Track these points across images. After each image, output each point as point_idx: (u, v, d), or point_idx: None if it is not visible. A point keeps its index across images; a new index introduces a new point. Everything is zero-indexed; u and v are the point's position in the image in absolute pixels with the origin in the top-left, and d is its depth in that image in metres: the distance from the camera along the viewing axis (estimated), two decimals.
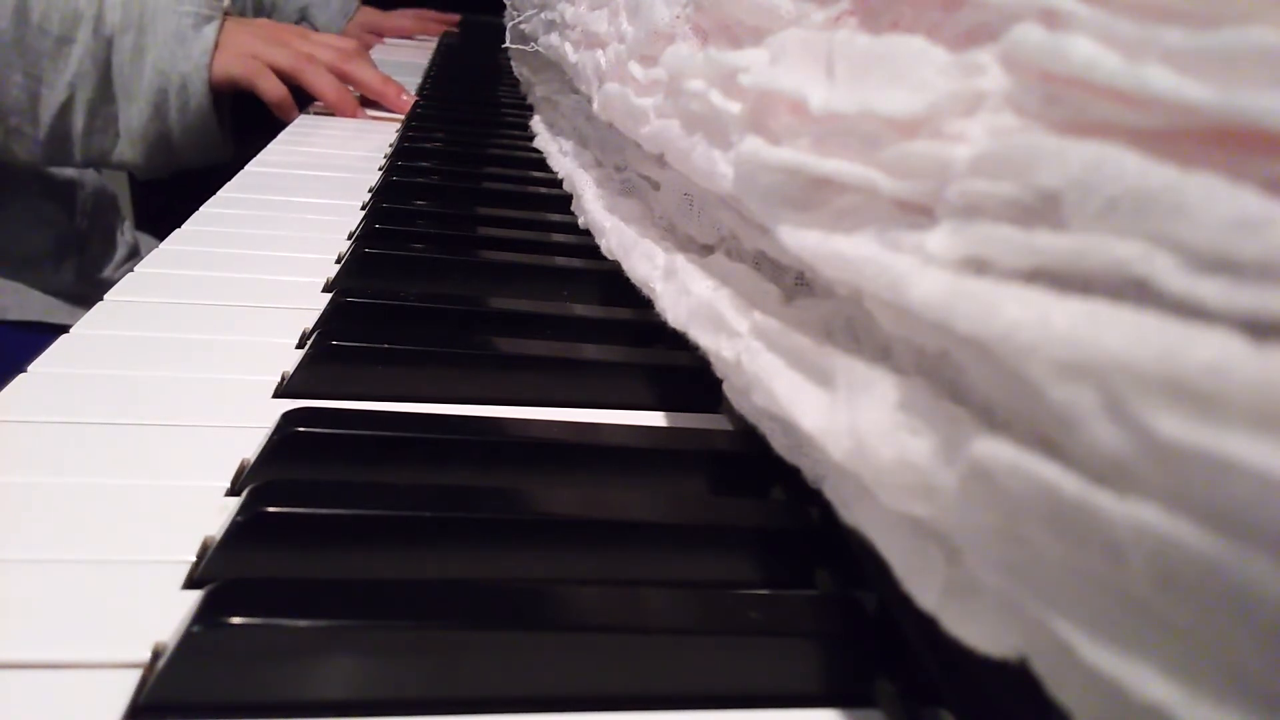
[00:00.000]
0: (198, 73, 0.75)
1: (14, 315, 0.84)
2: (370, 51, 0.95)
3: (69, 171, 0.92)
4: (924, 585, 0.16)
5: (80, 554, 0.23)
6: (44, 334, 0.34)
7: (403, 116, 0.81)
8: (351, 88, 0.82)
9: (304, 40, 0.84)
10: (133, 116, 0.76)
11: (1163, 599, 0.11)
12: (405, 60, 1.11)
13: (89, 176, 0.95)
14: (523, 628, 0.21)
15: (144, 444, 0.28)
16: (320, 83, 0.80)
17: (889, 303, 0.17)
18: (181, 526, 0.24)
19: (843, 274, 0.18)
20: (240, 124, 0.82)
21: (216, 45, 0.76)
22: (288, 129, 0.73)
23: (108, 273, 0.94)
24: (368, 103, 0.83)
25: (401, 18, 1.32)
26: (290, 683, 0.20)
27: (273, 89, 0.79)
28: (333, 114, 0.81)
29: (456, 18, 1.37)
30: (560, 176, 0.56)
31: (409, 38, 1.31)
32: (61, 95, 0.74)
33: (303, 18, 1.20)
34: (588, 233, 0.45)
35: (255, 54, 0.78)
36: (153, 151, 0.78)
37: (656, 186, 0.37)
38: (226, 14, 0.79)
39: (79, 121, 0.75)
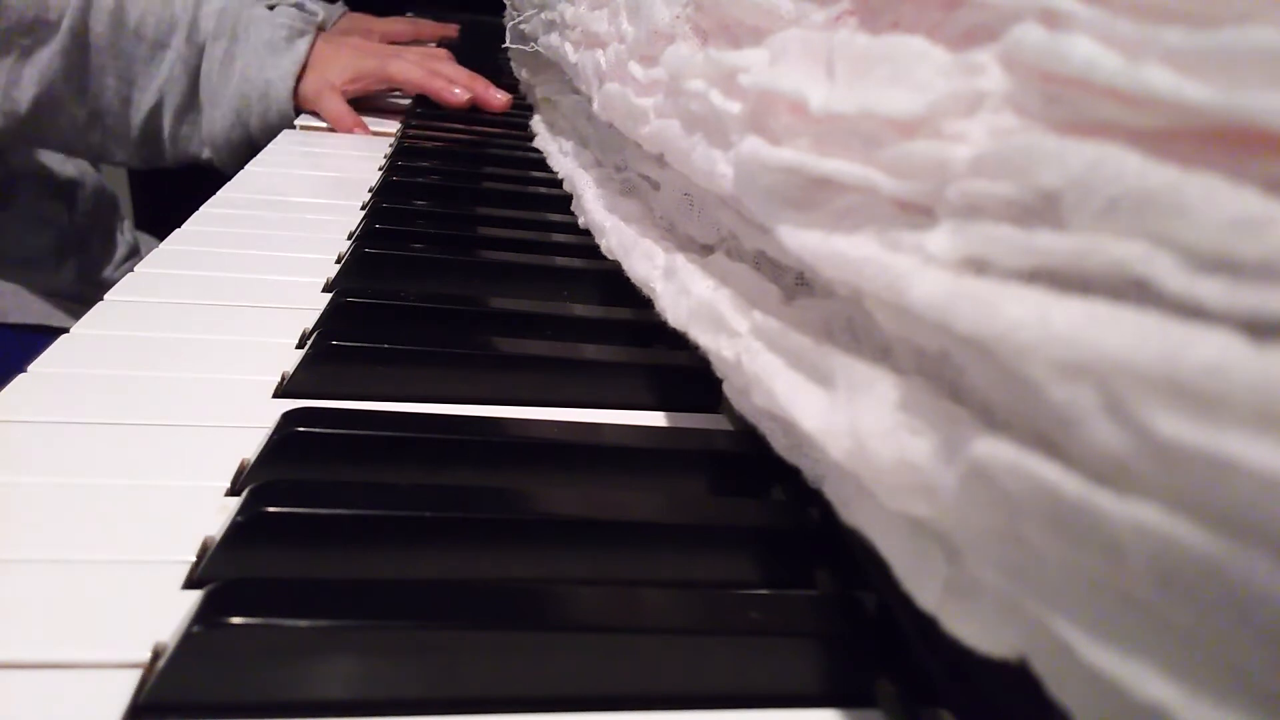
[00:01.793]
0: (283, 81, 0.76)
1: (14, 318, 0.83)
2: None
3: (70, 170, 0.92)
4: (924, 585, 0.16)
5: (80, 554, 0.23)
6: (45, 336, 0.34)
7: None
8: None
9: (392, 50, 0.84)
10: (215, 121, 0.77)
11: (1163, 599, 0.11)
12: None
13: (89, 176, 0.95)
14: (523, 628, 0.21)
15: (144, 444, 0.28)
16: (406, 71, 0.79)
17: (889, 303, 0.17)
18: (181, 526, 0.24)
19: (843, 274, 0.18)
20: None
21: (306, 63, 0.77)
22: (287, 130, 0.73)
23: (108, 273, 0.94)
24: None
25: (395, 23, 1.31)
26: (290, 683, 0.20)
27: (332, 109, 0.78)
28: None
29: (455, 28, 1.36)
30: (560, 176, 0.56)
31: (402, 44, 1.30)
32: (151, 99, 0.75)
33: None
34: (588, 233, 0.45)
35: (331, 81, 0.78)
36: (233, 150, 0.78)
37: (656, 186, 0.37)
38: (319, 28, 0.80)
39: (166, 126, 0.77)
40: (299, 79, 0.77)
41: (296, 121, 0.78)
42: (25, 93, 0.72)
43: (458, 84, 0.81)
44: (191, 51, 0.75)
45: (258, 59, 0.76)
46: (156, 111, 0.76)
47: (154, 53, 0.74)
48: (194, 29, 0.75)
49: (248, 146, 0.78)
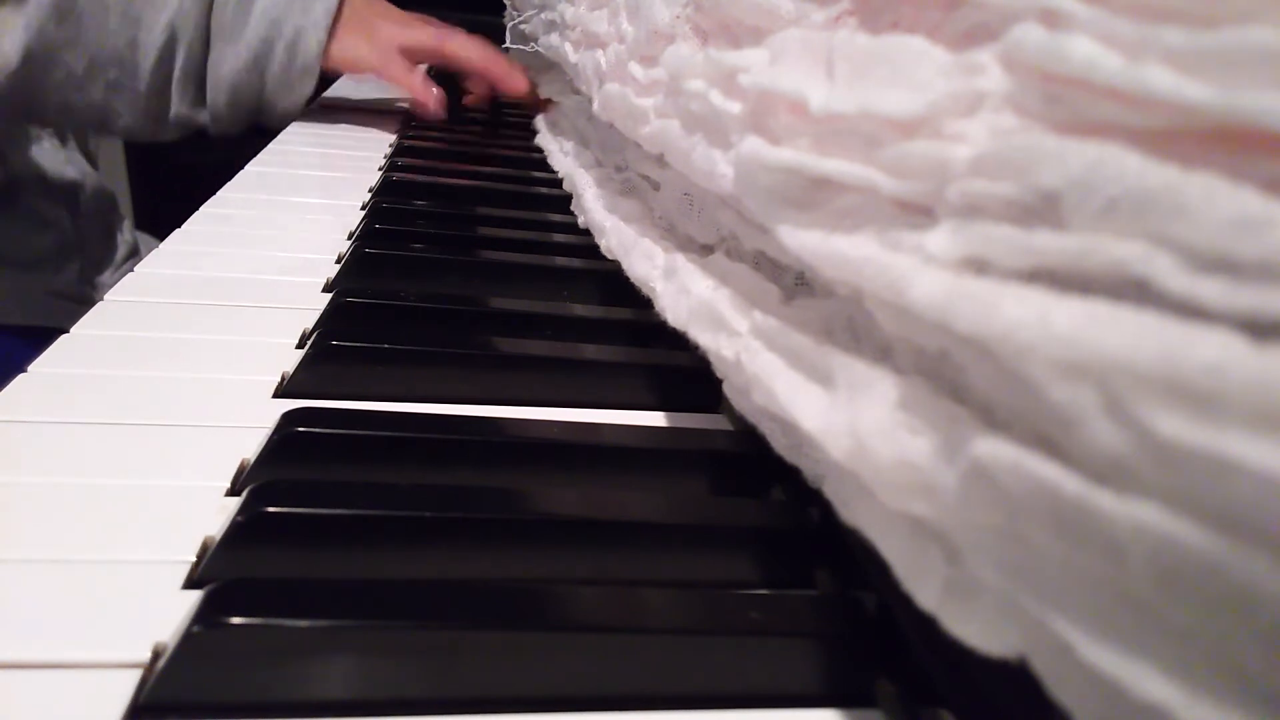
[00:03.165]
0: (316, 32, 0.68)
1: (16, 319, 0.83)
2: None
3: (71, 173, 0.92)
4: (924, 585, 0.16)
5: (80, 554, 0.23)
6: (45, 336, 0.34)
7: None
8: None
9: (431, 21, 0.77)
10: (224, 60, 0.69)
11: (1163, 599, 0.11)
12: None
13: (90, 177, 0.95)
14: (523, 628, 0.21)
15: (144, 444, 0.28)
16: (467, 50, 0.73)
17: (889, 303, 0.17)
18: (181, 526, 0.24)
19: (843, 274, 0.18)
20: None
21: (338, 14, 0.69)
22: (286, 129, 0.73)
23: (108, 273, 0.94)
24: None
25: None
26: (290, 683, 0.20)
27: (405, 75, 0.71)
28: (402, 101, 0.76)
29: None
30: (560, 176, 0.56)
31: None
32: (160, 38, 0.67)
33: None
34: (588, 233, 0.45)
35: (392, 40, 0.71)
36: (236, 102, 0.71)
37: (656, 186, 0.37)
38: None
39: (178, 70, 0.69)
40: (332, 34, 0.69)
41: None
42: (13, 41, 0.64)
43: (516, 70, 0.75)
44: None
45: (286, 0, 0.68)
46: (168, 54, 0.68)
47: None
48: None
49: (253, 102, 0.71)
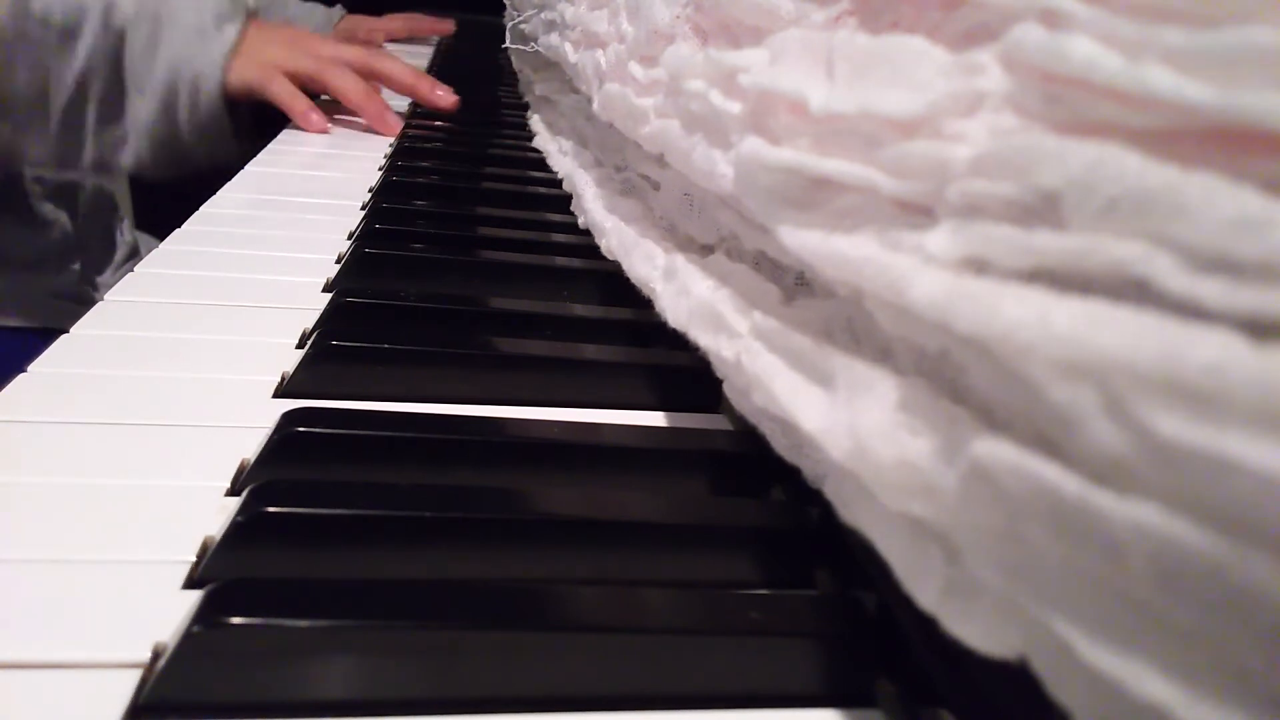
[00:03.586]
0: (212, 71, 0.71)
1: (16, 320, 0.83)
2: None
3: (70, 173, 0.92)
4: (924, 585, 0.16)
5: (80, 554, 0.23)
6: (46, 338, 0.34)
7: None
8: (383, 86, 0.78)
9: (326, 45, 0.79)
10: (140, 110, 0.72)
11: (1163, 599, 0.11)
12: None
13: (89, 178, 0.95)
14: (523, 628, 0.21)
15: (144, 444, 0.28)
16: (343, 84, 0.75)
17: (889, 303, 0.17)
18: (181, 526, 0.24)
19: (843, 274, 0.18)
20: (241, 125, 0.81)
21: (236, 49, 0.72)
22: (286, 130, 0.73)
23: (108, 274, 0.94)
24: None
25: (392, 21, 1.30)
26: (290, 683, 0.20)
27: (283, 92, 0.73)
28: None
29: (451, 23, 1.35)
30: (560, 176, 0.56)
31: (401, 42, 1.30)
32: (70, 89, 0.70)
33: None
34: (588, 233, 0.45)
35: (275, 62, 0.74)
36: (160, 150, 0.74)
37: (656, 186, 0.37)
38: (251, 15, 0.75)
39: (90, 117, 0.71)
40: (228, 70, 0.71)
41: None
42: None
43: (403, 86, 0.78)
44: (110, 37, 0.69)
45: (186, 46, 0.70)
46: (78, 103, 0.70)
47: (65, 41, 0.68)
48: (110, 14, 0.69)
49: (175, 143, 0.73)
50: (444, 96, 0.78)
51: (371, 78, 0.78)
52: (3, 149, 0.72)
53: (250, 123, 0.77)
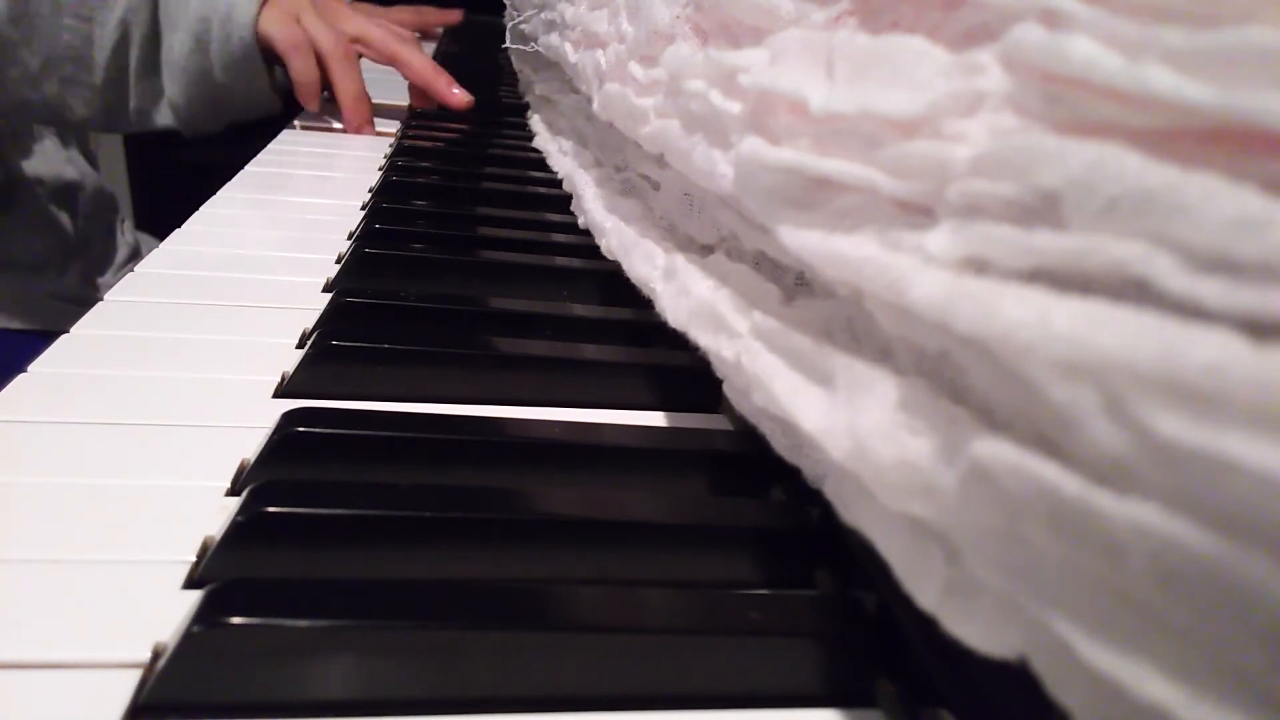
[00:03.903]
0: (246, 5, 0.70)
1: (18, 323, 0.83)
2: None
3: (71, 173, 0.91)
4: (924, 585, 0.16)
5: (80, 554, 0.23)
6: (47, 339, 0.34)
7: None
8: (401, 73, 0.77)
9: (355, 19, 0.77)
10: (174, 46, 0.71)
11: (1163, 599, 0.11)
12: None
13: (90, 178, 0.95)
14: (523, 628, 0.21)
15: (144, 444, 0.28)
16: (343, 81, 0.73)
17: (889, 303, 0.17)
18: (181, 526, 0.24)
19: (843, 274, 0.18)
20: (242, 125, 0.80)
21: None
22: (286, 130, 0.73)
23: (110, 274, 0.94)
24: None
25: (400, 13, 1.30)
26: (290, 683, 0.20)
27: (304, 70, 0.72)
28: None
29: (458, 14, 1.35)
30: (560, 176, 0.56)
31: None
32: (114, 33, 0.69)
33: None
34: (588, 233, 0.45)
35: (303, 24, 0.72)
36: (194, 88, 0.72)
37: (656, 186, 0.37)
38: None
39: (133, 64, 0.71)
40: (260, 12, 0.70)
41: (296, 121, 0.76)
42: None
43: (421, 78, 0.76)
44: None
45: None
46: (122, 48, 0.70)
47: None
48: None
49: (208, 82, 0.72)
50: (459, 95, 0.76)
51: (391, 62, 0.76)
52: (51, 108, 0.72)
53: (284, 75, 0.75)
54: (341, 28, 0.75)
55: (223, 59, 0.71)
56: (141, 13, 0.70)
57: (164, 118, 0.74)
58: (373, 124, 0.75)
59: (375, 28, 0.77)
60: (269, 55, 0.73)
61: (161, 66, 0.72)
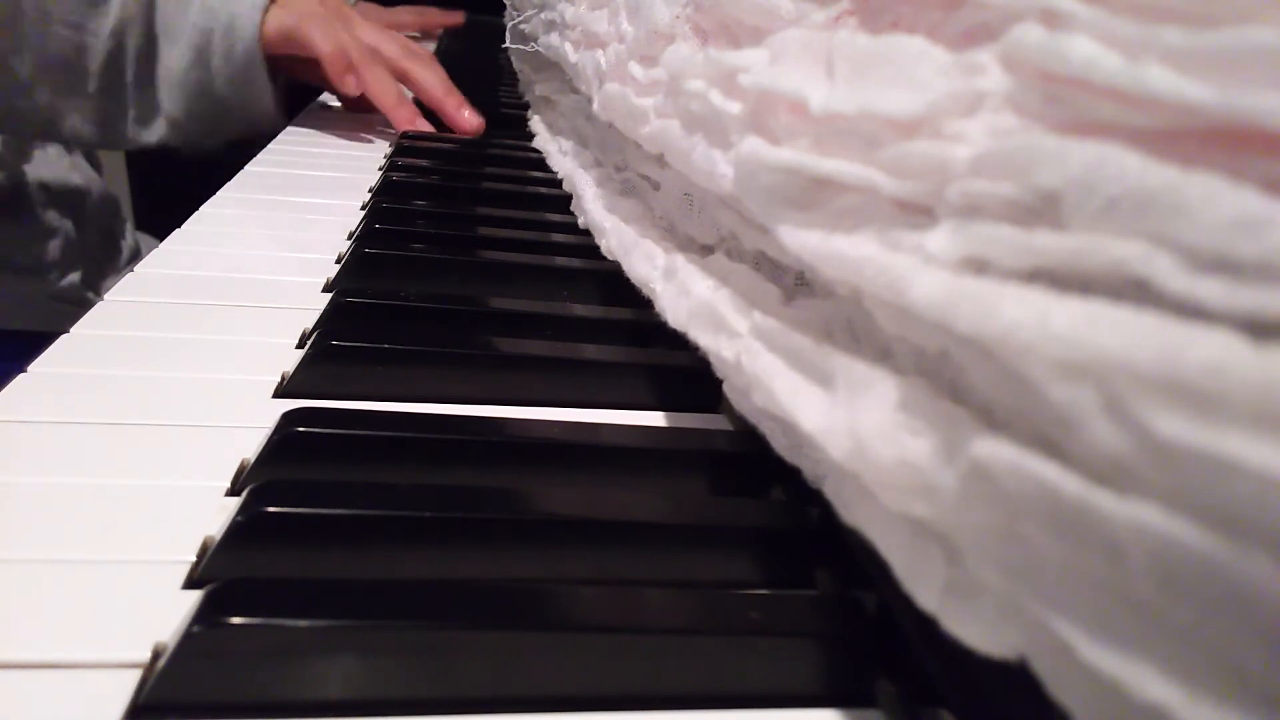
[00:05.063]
0: (250, 14, 0.67)
1: (18, 325, 0.83)
2: None
3: (76, 179, 0.91)
4: (924, 585, 0.16)
5: (80, 554, 0.23)
6: (47, 342, 0.34)
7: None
8: (409, 92, 0.74)
9: (368, 28, 0.74)
10: (172, 60, 0.68)
11: (1163, 599, 0.11)
12: None
13: (95, 184, 0.95)
14: (523, 628, 0.21)
15: (144, 444, 0.28)
16: (379, 85, 0.71)
17: (889, 303, 0.17)
18: (181, 526, 0.24)
19: (843, 274, 0.18)
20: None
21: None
22: (287, 129, 0.73)
23: (111, 277, 0.94)
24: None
25: (401, 14, 1.29)
26: (290, 683, 0.20)
27: (325, 41, 0.68)
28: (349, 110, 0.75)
29: (460, 15, 1.35)
30: (560, 176, 0.56)
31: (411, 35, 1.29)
32: (108, 43, 0.67)
33: None
34: (588, 233, 0.45)
35: (315, 15, 0.70)
36: (194, 103, 0.70)
37: (656, 186, 0.37)
38: None
39: (129, 74, 0.68)
40: (265, 16, 0.68)
41: (295, 121, 0.76)
42: None
43: (432, 97, 0.73)
44: None
45: None
46: (116, 59, 0.67)
47: None
48: None
49: (209, 98, 0.70)
50: (469, 119, 0.73)
51: (401, 78, 0.74)
52: (43, 118, 0.70)
53: (286, 93, 0.73)
54: (358, 35, 0.73)
55: (225, 71, 0.69)
56: (136, 23, 0.68)
57: (160, 134, 0.72)
58: (421, 116, 0.72)
59: (389, 41, 0.75)
60: (272, 68, 0.71)
61: (158, 81, 0.70)
